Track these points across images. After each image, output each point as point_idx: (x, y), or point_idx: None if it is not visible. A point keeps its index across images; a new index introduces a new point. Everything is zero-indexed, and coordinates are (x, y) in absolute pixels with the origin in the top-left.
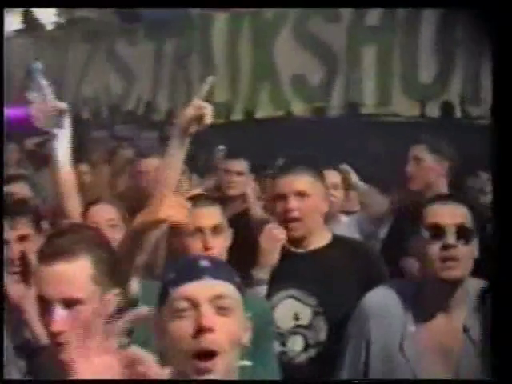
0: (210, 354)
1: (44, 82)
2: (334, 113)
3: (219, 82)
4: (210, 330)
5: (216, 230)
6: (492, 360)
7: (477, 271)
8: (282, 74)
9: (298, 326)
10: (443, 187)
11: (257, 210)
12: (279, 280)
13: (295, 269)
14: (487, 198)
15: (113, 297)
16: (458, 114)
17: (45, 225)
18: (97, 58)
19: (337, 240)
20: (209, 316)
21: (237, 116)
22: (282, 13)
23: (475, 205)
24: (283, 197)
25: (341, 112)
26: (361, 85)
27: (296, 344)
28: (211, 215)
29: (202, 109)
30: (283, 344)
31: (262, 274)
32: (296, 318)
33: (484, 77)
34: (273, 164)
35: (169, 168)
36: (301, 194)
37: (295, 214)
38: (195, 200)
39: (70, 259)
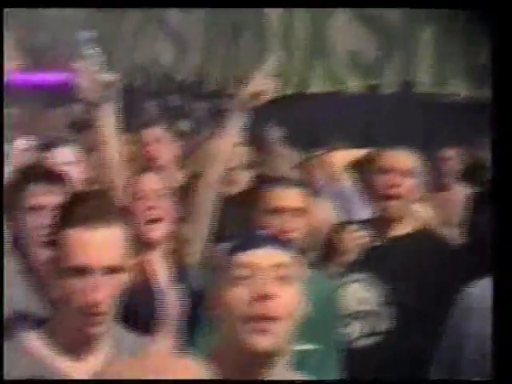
0: (268, 319)
1: (95, 53)
2: (387, 90)
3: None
4: (270, 296)
5: (297, 212)
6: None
7: None
8: (337, 49)
9: (361, 312)
10: None
11: None
12: (351, 262)
13: (370, 254)
14: None
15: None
16: None
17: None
18: (148, 26)
19: (421, 231)
20: (269, 283)
21: (290, 90)
22: None
23: None
24: (387, 171)
25: (394, 90)
26: (417, 63)
27: (355, 329)
28: (294, 197)
29: (265, 85)
30: (342, 327)
31: (337, 268)
32: (360, 303)
33: None
34: (325, 141)
35: (224, 141)
36: (405, 173)
37: (399, 190)
38: (280, 179)
39: (108, 224)
